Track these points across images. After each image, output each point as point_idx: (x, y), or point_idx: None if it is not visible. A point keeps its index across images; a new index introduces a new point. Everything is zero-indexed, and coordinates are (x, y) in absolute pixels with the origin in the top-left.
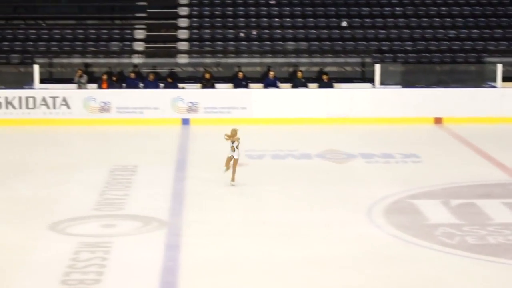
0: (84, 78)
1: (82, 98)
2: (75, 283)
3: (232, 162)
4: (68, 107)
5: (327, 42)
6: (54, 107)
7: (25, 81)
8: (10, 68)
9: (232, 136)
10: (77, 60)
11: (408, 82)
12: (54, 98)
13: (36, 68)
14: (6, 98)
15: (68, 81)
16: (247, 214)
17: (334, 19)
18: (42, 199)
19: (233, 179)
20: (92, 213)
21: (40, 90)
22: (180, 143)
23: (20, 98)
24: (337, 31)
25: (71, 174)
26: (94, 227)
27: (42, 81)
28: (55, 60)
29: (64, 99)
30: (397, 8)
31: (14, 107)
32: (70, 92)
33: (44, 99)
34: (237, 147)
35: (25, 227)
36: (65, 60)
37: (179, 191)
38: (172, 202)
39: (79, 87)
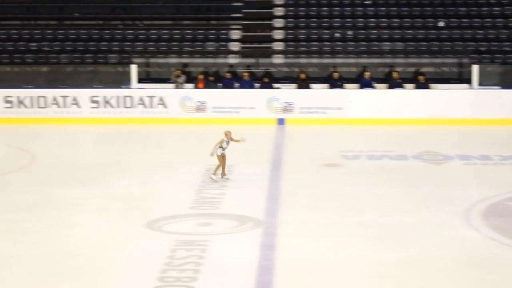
0: (182, 78)
1: (179, 98)
2: (171, 281)
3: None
4: (165, 106)
5: (424, 43)
6: (151, 106)
7: (122, 81)
8: (108, 68)
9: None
10: (173, 60)
11: (507, 83)
12: (151, 97)
13: (133, 68)
14: (105, 97)
15: (165, 80)
16: (342, 215)
17: (431, 19)
18: (139, 197)
19: (224, 173)
20: (189, 211)
21: (137, 90)
22: (275, 143)
23: (118, 97)
24: (434, 31)
25: (168, 173)
26: (190, 226)
27: (140, 80)
28: (152, 60)
29: (161, 99)
30: (495, 8)
31: (112, 106)
32: (167, 92)
33: (141, 99)
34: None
35: (122, 225)
36: (161, 60)
37: (274, 191)
38: (268, 201)
39: (176, 87)
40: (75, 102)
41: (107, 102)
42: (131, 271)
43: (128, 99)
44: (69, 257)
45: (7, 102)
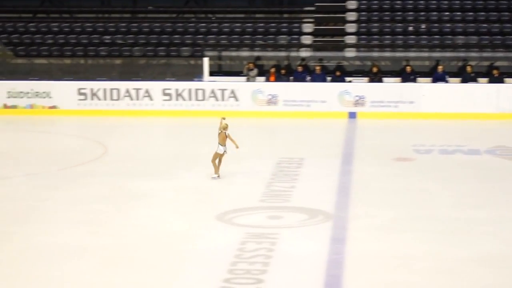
0: (254, 71)
1: (250, 91)
2: (241, 273)
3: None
4: (236, 99)
5: (499, 36)
6: (223, 99)
7: (194, 74)
8: (181, 60)
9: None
10: (245, 53)
11: None
12: (222, 90)
13: (205, 61)
14: (177, 90)
15: (237, 73)
16: (414, 210)
17: (506, 13)
18: (210, 189)
19: (217, 172)
20: (259, 204)
21: (209, 83)
22: (346, 137)
23: (190, 90)
24: (509, 25)
25: (239, 165)
26: (260, 218)
27: (211, 73)
28: (224, 53)
29: (233, 92)
30: None
31: (184, 99)
32: (239, 85)
33: (213, 91)
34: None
35: (193, 217)
36: (233, 53)
37: (345, 185)
38: (338, 195)
39: (248, 80)
40: (148, 94)
41: (179, 95)
42: (201, 263)
43: (200, 92)
44: (140, 248)
45: (81, 94)
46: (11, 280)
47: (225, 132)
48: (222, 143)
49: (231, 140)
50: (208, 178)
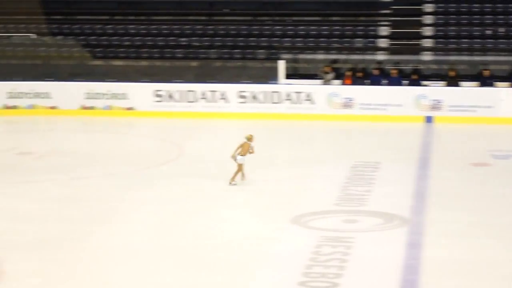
0: (331, 74)
1: (326, 94)
2: (316, 276)
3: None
4: (312, 102)
5: None
6: (298, 102)
7: (270, 76)
8: (256, 63)
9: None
10: (321, 56)
11: None
12: (298, 93)
13: (281, 64)
14: (252, 92)
15: (312, 76)
16: (491, 215)
17: None
18: (285, 192)
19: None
20: (334, 208)
21: (285, 85)
22: (423, 141)
23: (265, 92)
24: None
25: (314, 169)
26: (335, 222)
27: (287, 76)
28: (300, 56)
29: (308, 95)
30: None
31: (259, 101)
32: (314, 88)
33: (288, 94)
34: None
35: (268, 220)
36: (309, 56)
37: (421, 190)
38: (414, 200)
39: (323, 83)
40: (223, 97)
41: (254, 97)
42: (277, 265)
43: (275, 94)
44: (215, 250)
45: (157, 96)
46: (88, 279)
47: (250, 144)
48: (244, 153)
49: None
50: (283, 180)
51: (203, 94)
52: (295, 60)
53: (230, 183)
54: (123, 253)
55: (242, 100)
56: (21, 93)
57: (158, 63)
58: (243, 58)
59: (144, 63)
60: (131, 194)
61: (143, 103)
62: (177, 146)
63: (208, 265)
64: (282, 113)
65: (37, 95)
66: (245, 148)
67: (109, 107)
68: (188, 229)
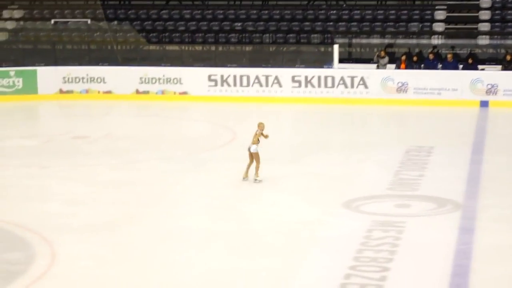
0: (385, 59)
1: (380, 78)
2: (367, 261)
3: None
4: (366, 86)
5: None
6: (352, 86)
7: (324, 61)
8: (311, 47)
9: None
10: (375, 40)
11: None
12: (352, 77)
13: (336, 48)
14: (306, 77)
15: (367, 61)
16: None
17: None
18: (338, 176)
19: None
20: (386, 192)
21: (339, 70)
22: (477, 126)
23: (319, 77)
24: None
25: (367, 153)
26: (387, 207)
27: (341, 60)
28: (355, 41)
29: (362, 79)
30: None
31: (313, 86)
32: (369, 72)
33: (342, 79)
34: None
35: (320, 203)
36: (364, 41)
37: (475, 174)
38: (468, 185)
39: (378, 67)
40: (277, 81)
41: (308, 82)
42: (328, 249)
43: (329, 79)
44: (267, 234)
45: (211, 80)
46: (140, 262)
47: (261, 132)
48: (255, 142)
49: (264, 136)
50: (335, 165)
51: (257, 78)
52: (350, 45)
53: (255, 179)
54: (175, 236)
55: (295, 84)
56: (77, 77)
57: (212, 47)
58: (297, 43)
59: (198, 48)
60: (183, 178)
61: (197, 88)
62: (230, 131)
63: (259, 249)
64: (336, 98)
65: (92, 79)
66: (255, 136)
67: (163, 92)
68: (239, 213)
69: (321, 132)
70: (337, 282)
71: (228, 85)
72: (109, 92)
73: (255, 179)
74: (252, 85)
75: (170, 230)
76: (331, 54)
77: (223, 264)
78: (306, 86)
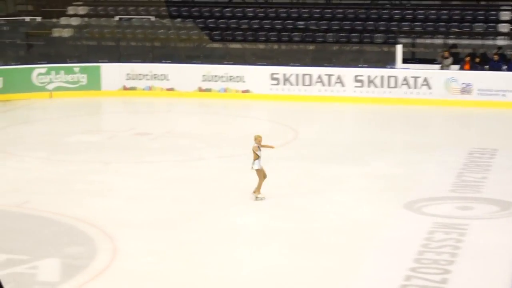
0: (449, 59)
1: (444, 79)
2: (428, 263)
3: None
4: (429, 87)
5: None
6: (415, 87)
7: (387, 61)
8: (374, 47)
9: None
10: (439, 40)
11: None
12: (415, 78)
13: (399, 48)
14: (369, 77)
15: (430, 61)
16: None
17: None
18: (399, 177)
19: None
20: (448, 194)
21: (402, 70)
22: None
23: (382, 77)
24: None
25: (429, 155)
26: (449, 209)
27: (404, 60)
28: (418, 41)
29: (426, 79)
30: None
31: (375, 86)
32: (432, 73)
33: (405, 79)
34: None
35: (381, 204)
36: (427, 41)
37: None
38: None
39: (442, 68)
40: (340, 80)
41: (371, 82)
42: (388, 250)
43: (392, 79)
44: (327, 233)
45: (274, 79)
46: (200, 258)
47: (258, 146)
48: (255, 158)
49: (266, 146)
50: (397, 166)
51: (319, 77)
52: (413, 45)
53: (256, 197)
54: (235, 234)
55: (358, 84)
56: (140, 74)
57: (275, 46)
58: (360, 42)
59: (261, 46)
60: (244, 177)
61: (259, 86)
62: (292, 129)
63: (318, 248)
64: (399, 98)
65: (155, 76)
66: (254, 152)
67: (225, 90)
68: (299, 212)
69: (383, 132)
70: (397, 283)
71: (291, 84)
72: (171, 89)
73: (256, 197)
74: (315, 84)
75: (230, 227)
76: (394, 54)
77: (282, 263)
78: (368, 86)
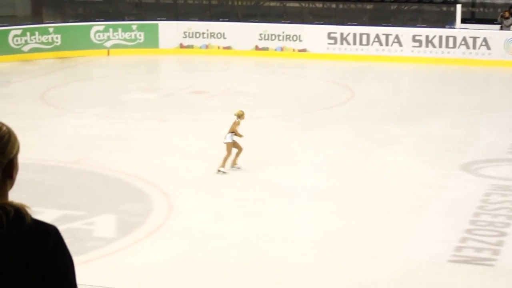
0: (510, 20)
1: (504, 40)
2: (484, 225)
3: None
4: (488, 48)
5: None
6: (474, 47)
7: (446, 21)
8: (433, 7)
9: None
10: (499, 0)
11: None
12: (474, 38)
13: (458, 8)
14: (427, 37)
15: (490, 21)
16: None
17: None
18: (456, 139)
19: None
20: (506, 156)
21: (461, 30)
22: None
23: (440, 37)
24: None
25: (487, 116)
26: (507, 170)
27: (463, 20)
28: (478, 0)
29: (485, 40)
30: None
31: (434, 46)
32: (491, 33)
33: (464, 39)
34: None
35: (438, 166)
36: (488, 1)
37: None
38: None
39: (501, 28)
40: (397, 40)
41: (429, 42)
42: (444, 212)
43: (451, 39)
44: (383, 194)
45: (331, 38)
46: (254, 217)
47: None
48: (231, 130)
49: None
50: (454, 127)
51: (377, 37)
52: (473, 4)
53: (218, 170)
54: (288, 193)
55: (416, 44)
56: (197, 32)
57: (332, 5)
58: (419, 1)
59: (318, 5)
60: (299, 136)
61: (316, 45)
62: (349, 89)
63: (373, 209)
64: (457, 58)
65: (212, 35)
66: (233, 126)
67: (282, 49)
68: (354, 173)
69: (441, 93)
70: (452, 245)
71: (348, 43)
72: (228, 47)
73: (218, 170)
74: (372, 44)
75: (284, 186)
76: (453, 13)
77: (336, 223)
78: (426, 46)
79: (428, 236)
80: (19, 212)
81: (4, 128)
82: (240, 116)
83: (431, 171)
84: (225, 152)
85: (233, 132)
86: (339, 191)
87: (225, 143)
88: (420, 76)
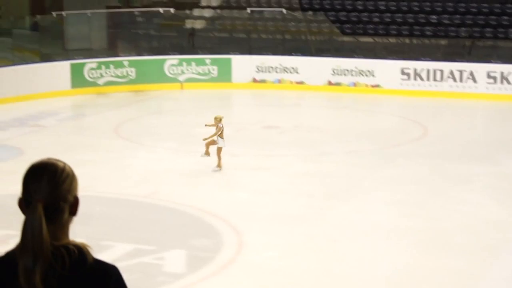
0: None
1: None
2: None
3: (216, 149)
4: None
5: None
6: None
7: None
8: (508, 43)
9: (215, 124)
10: None
11: None
12: None
13: None
14: (502, 73)
15: None
16: None
17: None
18: None
19: (219, 165)
20: None
21: None
22: None
23: None
24: None
25: None
26: None
27: None
28: None
29: None
30: None
31: (509, 83)
32: None
33: None
34: (220, 136)
35: (511, 205)
36: None
37: None
38: None
39: None
40: (471, 77)
41: (504, 78)
42: None
43: None
44: (456, 233)
45: (404, 74)
46: (325, 255)
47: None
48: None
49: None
50: None
51: (451, 73)
52: None
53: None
54: (360, 231)
55: (491, 80)
56: (270, 67)
57: (406, 40)
58: (494, 37)
59: (392, 40)
60: (372, 172)
61: (389, 81)
62: (422, 126)
63: (445, 248)
64: None
65: (285, 69)
66: (217, 131)
67: (355, 84)
68: (428, 211)
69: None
70: None
71: (421, 79)
72: (301, 82)
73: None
74: (446, 80)
75: (356, 224)
76: None
77: (410, 262)
78: (501, 82)
79: (502, 275)
80: (81, 252)
81: (67, 166)
82: (221, 120)
83: (505, 211)
84: (216, 157)
85: (220, 135)
86: (413, 229)
87: (219, 147)
88: (494, 113)
